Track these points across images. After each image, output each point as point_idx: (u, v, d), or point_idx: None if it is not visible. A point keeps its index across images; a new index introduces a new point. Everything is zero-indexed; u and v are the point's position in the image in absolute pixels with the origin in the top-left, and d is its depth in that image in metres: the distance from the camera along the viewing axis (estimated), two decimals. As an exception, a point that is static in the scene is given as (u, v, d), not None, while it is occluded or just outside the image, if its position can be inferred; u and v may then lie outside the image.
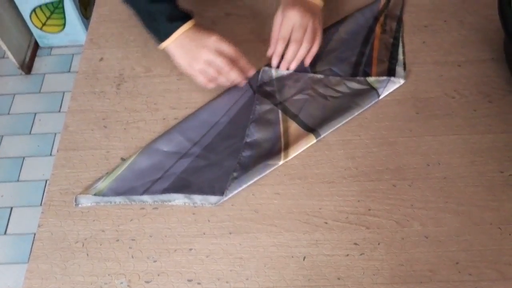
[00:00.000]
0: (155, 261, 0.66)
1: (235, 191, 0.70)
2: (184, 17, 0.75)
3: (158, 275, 0.65)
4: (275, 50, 0.79)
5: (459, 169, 0.71)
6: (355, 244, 0.66)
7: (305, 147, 0.74)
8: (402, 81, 0.79)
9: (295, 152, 0.73)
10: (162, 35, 0.75)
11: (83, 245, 0.68)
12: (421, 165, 0.72)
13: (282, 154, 0.73)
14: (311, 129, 0.75)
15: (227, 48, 0.74)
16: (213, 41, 0.74)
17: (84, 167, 0.74)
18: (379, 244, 0.66)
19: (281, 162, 0.72)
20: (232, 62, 0.75)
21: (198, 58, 0.74)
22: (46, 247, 0.68)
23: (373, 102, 0.78)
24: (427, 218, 0.67)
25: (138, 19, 0.77)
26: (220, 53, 0.74)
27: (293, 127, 0.76)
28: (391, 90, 0.79)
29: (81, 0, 1.92)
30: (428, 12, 0.90)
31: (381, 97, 0.78)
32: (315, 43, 0.78)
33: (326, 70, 0.82)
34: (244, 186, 0.70)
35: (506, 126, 0.75)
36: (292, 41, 0.77)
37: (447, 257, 0.64)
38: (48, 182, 0.76)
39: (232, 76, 0.76)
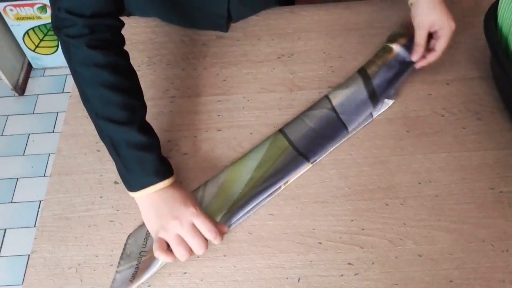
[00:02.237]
0: (149, 286, 0.66)
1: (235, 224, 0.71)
2: (163, 172, 0.66)
3: (153, 299, 0.65)
4: (428, 60, 0.80)
5: (450, 186, 0.72)
6: (349, 264, 0.66)
7: (301, 173, 0.75)
8: (392, 101, 0.80)
9: (292, 179, 0.74)
10: (133, 185, 0.66)
11: (76, 270, 0.67)
12: (412, 183, 0.73)
13: (282, 185, 0.73)
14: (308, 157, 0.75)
15: (204, 226, 0.64)
16: (190, 214, 0.63)
17: (77, 192, 0.74)
18: (373, 263, 0.66)
19: (281, 190, 0.73)
20: (204, 238, 0.64)
21: (168, 229, 0.63)
22: (40, 273, 0.67)
23: (366, 123, 0.79)
24: (420, 237, 0.68)
25: (113, 159, 0.68)
26: (195, 231, 0.63)
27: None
28: (382, 111, 0.80)
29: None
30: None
31: (373, 118, 0.79)
32: None
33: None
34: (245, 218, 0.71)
35: (495, 143, 0.76)
36: (439, 50, 0.78)
37: (441, 276, 0.65)
38: (41, 205, 0.76)
39: (199, 253, 0.64)
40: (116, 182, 0.75)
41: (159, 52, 0.91)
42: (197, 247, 0.63)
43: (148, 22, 0.96)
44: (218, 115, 0.82)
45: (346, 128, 0.77)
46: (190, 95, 0.85)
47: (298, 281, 0.65)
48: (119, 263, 0.67)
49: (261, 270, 0.66)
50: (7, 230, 1.61)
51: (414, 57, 0.80)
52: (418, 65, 0.81)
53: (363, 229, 0.69)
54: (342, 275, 0.65)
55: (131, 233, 0.70)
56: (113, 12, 0.68)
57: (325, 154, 0.76)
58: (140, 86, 0.71)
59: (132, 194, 0.66)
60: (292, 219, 0.70)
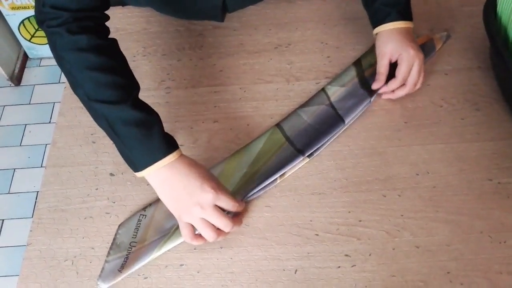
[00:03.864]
0: (145, 278, 0.65)
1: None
2: (166, 146, 0.64)
3: (149, 292, 0.65)
4: (388, 88, 0.78)
5: (448, 178, 0.72)
6: (347, 255, 0.66)
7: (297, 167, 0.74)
8: None
9: (289, 173, 0.73)
10: (137, 164, 0.64)
11: (72, 263, 0.67)
12: (410, 175, 0.72)
13: (278, 179, 0.73)
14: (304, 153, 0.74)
15: (226, 205, 0.64)
16: (211, 199, 0.62)
17: (72, 184, 0.74)
18: (370, 255, 0.66)
19: (277, 182, 0.73)
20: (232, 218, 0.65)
21: (192, 213, 0.62)
22: (35, 266, 0.67)
23: (364, 110, 0.78)
24: (418, 228, 0.68)
25: (112, 141, 0.67)
26: (219, 212, 0.63)
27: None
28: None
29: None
30: (414, 21, 0.90)
31: (371, 102, 0.79)
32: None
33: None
34: None
35: (493, 134, 0.76)
36: (409, 84, 0.77)
37: (438, 267, 0.65)
38: (37, 197, 0.76)
39: (227, 233, 0.66)
40: (112, 174, 0.74)
41: (154, 43, 0.90)
42: (224, 226, 0.63)
43: (143, 11, 0.94)
44: (215, 106, 0.81)
45: (343, 120, 0.77)
46: (186, 86, 0.84)
47: (295, 273, 0.65)
48: (108, 252, 0.67)
49: (258, 262, 0.66)
50: (4, 220, 1.61)
51: (375, 85, 0.79)
52: (385, 96, 0.79)
53: (360, 221, 0.69)
54: (339, 267, 0.65)
55: (122, 223, 0.69)
56: (98, 7, 0.67)
57: (322, 148, 0.75)
58: (128, 66, 0.69)
59: (139, 174, 0.64)
60: (289, 210, 0.70)
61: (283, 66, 0.86)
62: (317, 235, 0.68)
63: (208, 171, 0.66)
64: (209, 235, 0.63)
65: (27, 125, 1.83)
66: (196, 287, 0.65)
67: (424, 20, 0.90)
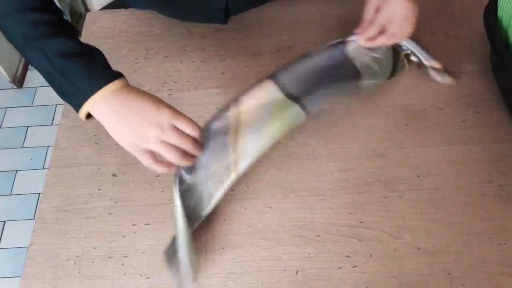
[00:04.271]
0: (147, 278, 0.66)
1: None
2: (111, 72, 0.61)
3: (151, 292, 0.65)
4: (366, 33, 0.73)
5: (448, 180, 0.72)
6: (347, 256, 0.66)
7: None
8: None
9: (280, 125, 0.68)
10: (80, 95, 0.59)
11: (75, 262, 0.67)
12: (411, 177, 0.73)
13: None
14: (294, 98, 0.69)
15: (186, 124, 0.61)
16: (168, 117, 0.59)
17: (75, 184, 0.74)
18: (371, 256, 0.66)
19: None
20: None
21: (149, 138, 0.59)
22: (38, 266, 0.67)
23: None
24: (418, 230, 0.68)
25: (52, 84, 0.62)
26: (180, 132, 0.60)
27: None
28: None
29: (71, 14, 1.92)
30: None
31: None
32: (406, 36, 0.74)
33: None
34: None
35: (494, 136, 0.76)
36: (389, 34, 0.72)
37: (439, 268, 0.65)
38: (40, 197, 0.76)
39: (191, 158, 0.62)
40: (114, 175, 0.75)
41: (156, 45, 0.90)
42: (187, 144, 0.60)
43: (146, 14, 0.95)
44: (216, 108, 0.82)
45: (360, 76, 0.73)
46: (188, 88, 0.84)
47: (296, 274, 0.65)
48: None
49: (259, 262, 0.66)
50: (6, 222, 1.61)
51: (358, 30, 0.74)
52: (366, 43, 0.74)
53: (361, 222, 0.69)
54: (340, 268, 0.65)
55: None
56: None
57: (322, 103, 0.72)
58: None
59: (84, 109, 0.59)
60: (291, 212, 0.70)
61: (285, 69, 0.86)
62: (318, 236, 0.68)
63: (161, 99, 0.62)
64: (172, 155, 0.59)
65: (29, 127, 1.84)
66: (198, 287, 0.65)
67: (425, 23, 0.90)
